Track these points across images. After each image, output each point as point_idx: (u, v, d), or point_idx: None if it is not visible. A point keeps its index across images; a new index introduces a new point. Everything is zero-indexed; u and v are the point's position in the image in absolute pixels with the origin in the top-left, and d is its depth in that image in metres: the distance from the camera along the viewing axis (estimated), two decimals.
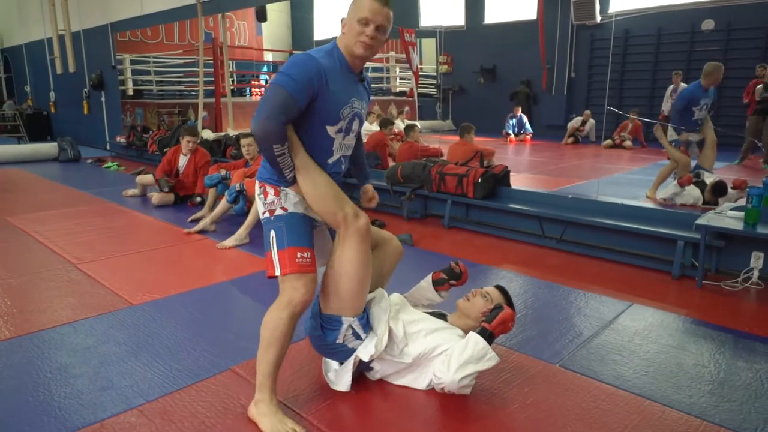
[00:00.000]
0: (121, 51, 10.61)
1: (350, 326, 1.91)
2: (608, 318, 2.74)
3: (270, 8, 13.43)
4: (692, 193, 4.65)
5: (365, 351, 1.92)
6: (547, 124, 12.25)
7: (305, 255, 1.81)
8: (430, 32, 13.63)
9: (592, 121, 10.86)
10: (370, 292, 2.03)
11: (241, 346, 2.38)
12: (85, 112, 10.61)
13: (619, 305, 2.90)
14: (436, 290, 2.28)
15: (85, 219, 4.75)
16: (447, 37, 13.85)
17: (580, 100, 11.80)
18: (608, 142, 10.07)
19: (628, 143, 9.73)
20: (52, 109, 12.20)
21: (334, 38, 1.89)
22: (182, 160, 5.35)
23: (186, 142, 5.24)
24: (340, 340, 1.93)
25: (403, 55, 11.67)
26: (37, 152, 8.81)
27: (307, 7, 16.52)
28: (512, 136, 11.44)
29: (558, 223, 4.03)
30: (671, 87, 8.98)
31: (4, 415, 1.89)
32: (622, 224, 3.69)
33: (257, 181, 1.93)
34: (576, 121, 10.98)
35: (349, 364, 1.96)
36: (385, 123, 6.70)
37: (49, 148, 8.93)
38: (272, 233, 1.85)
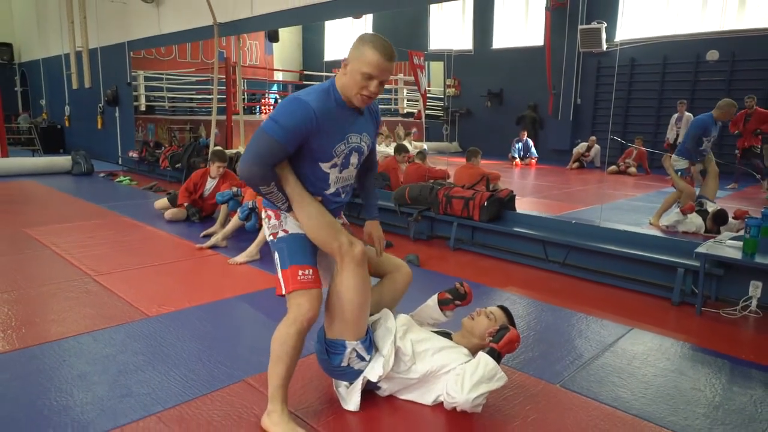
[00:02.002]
0: (136, 67, 10.87)
1: (354, 349, 1.99)
2: (608, 341, 2.82)
3: (282, 30, 13.76)
4: (694, 221, 4.75)
5: (373, 372, 2.02)
6: (552, 149, 12.40)
7: (307, 272, 1.91)
8: (439, 56, 13.90)
9: (597, 146, 11.00)
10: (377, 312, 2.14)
11: (254, 359, 2.48)
12: (99, 126, 10.84)
13: (620, 329, 2.98)
14: (442, 310, 2.37)
15: (99, 232, 4.88)
16: (455, 61, 14.11)
17: (586, 125, 11.96)
18: (613, 168, 10.20)
19: (632, 170, 9.86)
20: (67, 123, 12.45)
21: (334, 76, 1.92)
22: (210, 183, 5.49)
23: (216, 167, 5.38)
24: (345, 363, 2.01)
25: (412, 78, 11.91)
26: (51, 165, 9.00)
27: (318, 29, 16.87)
28: (518, 159, 11.58)
29: (561, 247, 4.13)
30: (675, 116, 9.13)
31: (29, 419, 1.99)
32: (624, 250, 3.79)
33: (263, 207, 2.05)
34: (581, 147, 11.13)
35: (358, 384, 2.05)
36: (400, 149, 6.85)
37: (63, 161, 9.12)
38: (276, 254, 1.96)
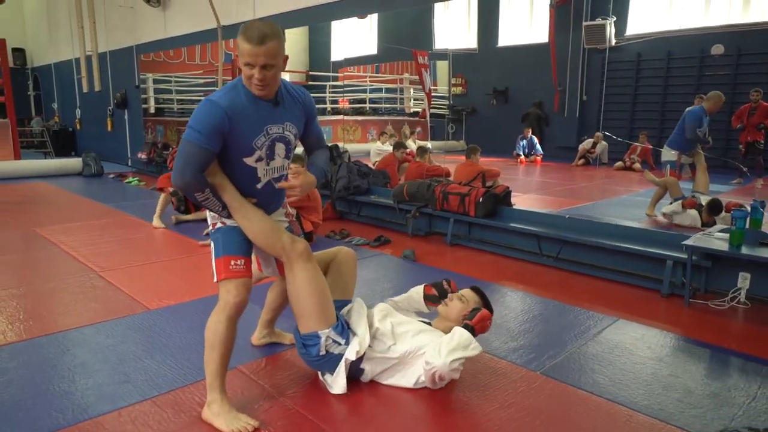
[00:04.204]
0: (145, 70, 11.05)
1: (328, 337, 2.09)
2: (593, 332, 2.89)
3: (288, 32, 13.88)
4: (690, 214, 4.79)
5: (352, 350, 2.12)
6: (558, 146, 12.41)
7: (238, 262, 2.01)
8: (445, 55, 13.97)
9: (604, 143, 10.99)
10: (343, 300, 2.26)
11: (247, 348, 2.59)
12: (109, 129, 11.05)
13: (606, 320, 3.05)
14: (427, 305, 2.49)
15: (106, 231, 5.04)
16: (461, 60, 14.18)
17: (592, 122, 11.96)
18: (619, 164, 10.22)
19: (637, 165, 9.85)
20: (78, 126, 12.70)
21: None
22: None
23: None
24: (323, 352, 2.11)
25: (417, 77, 11.99)
26: (62, 167, 9.21)
27: (325, 30, 16.98)
28: (522, 157, 11.61)
29: (555, 242, 4.20)
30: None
31: (34, 401, 2.12)
32: (616, 244, 3.85)
33: None
34: (587, 143, 11.12)
35: (341, 367, 2.15)
36: (398, 146, 6.99)
37: (74, 163, 9.33)
38: (212, 244, 2.08)
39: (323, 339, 2.09)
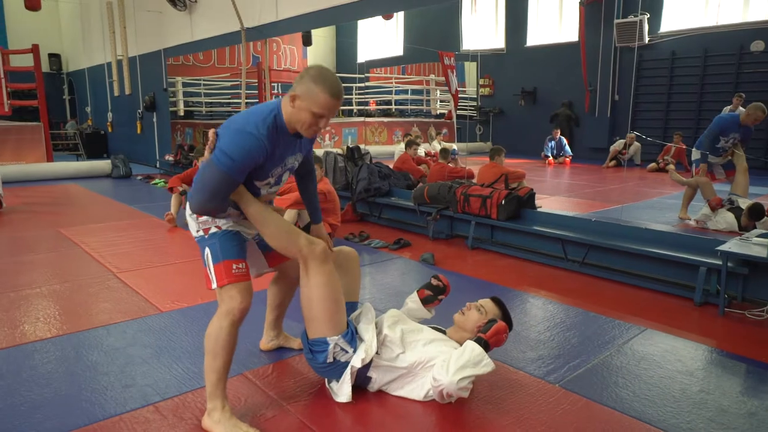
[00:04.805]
0: (175, 74, 11.23)
1: (336, 344, 2.01)
2: (618, 342, 2.73)
3: (316, 34, 13.96)
4: (725, 218, 4.55)
5: (357, 357, 2.03)
6: (589, 147, 12.10)
7: (240, 266, 1.95)
8: (472, 56, 13.79)
9: (637, 144, 10.65)
10: (348, 302, 2.17)
11: (255, 354, 2.53)
12: (139, 131, 11.24)
13: (633, 330, 2.88)
14: (426, 308, 2.38)
15: (128, 232, 5.07)
16: (488, 60, 13.98)
17: (624, 122, 11.61)
18: (652, 165, 9.88)
19: (671, 167, 9.48)
20: (110, 129, 12.97)
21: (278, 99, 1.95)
22: None
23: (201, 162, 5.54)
24: (330, 359, 2.03)
25: (443, 78, 11.86)
26: (92, 169, 9.40)
27: (351, 32, 17.00)
28: (551, 158, 11.35)
29: (581, 246, 4.03)
30: (728, 108, 8.71)
31: (40, 401, 2.10)
32: (645, 249, 3.66)
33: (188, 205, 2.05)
34: (619, 144, 10.78)
35: (347, 375, 2.06)
36: (410, 144, 6.98)
37: (103, 165, 9.51)
38: (207, 250, 1.98)
39: (331, 346, 2.01)
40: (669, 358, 2.55)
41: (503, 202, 4.41)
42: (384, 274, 3.97)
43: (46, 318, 2.98)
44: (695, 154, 5.11)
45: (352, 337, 2.06)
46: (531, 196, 4.63)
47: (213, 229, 1.99)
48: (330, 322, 2.00)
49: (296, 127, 1.90)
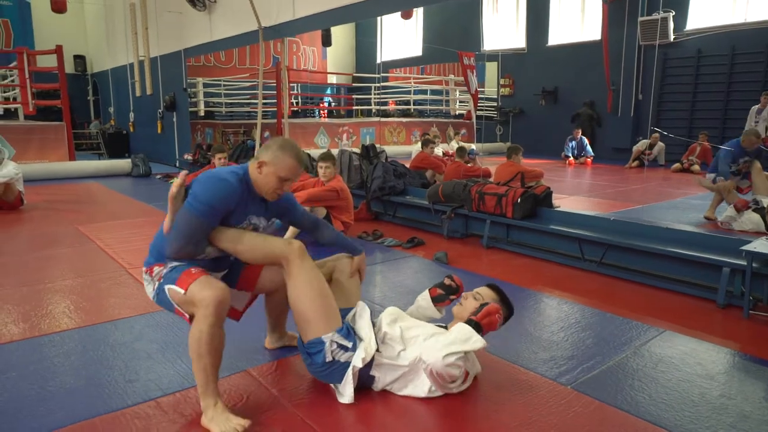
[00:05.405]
0: (196, 75, 11.34)
1: (332, 341, 1.97)
2: (636, 344, 2.63)
3: (335, 34, 14.00)
4: (751, 218, 4.39)
5: (358, 357, 1.97)
6: (611, 147, 11.86)
7: (195, 270, 1.93)
8: (492, 56, 13.65)
9: (661, 144, 10.40)
10: (347, 308, 2.14)
11: (259, 351, 2.50)
12: (159, 131, 11.38)
13: (651, 331, 2.78)
14: (437, 306, 2.32)
15: (143, 229, 5.10)
16: (509, 60, 13.82)
17: (648, 122, 11.35)
18: (677, 165, 9.64)
19: (696, 167, 9.26)
20: (131, 129, 13.16)
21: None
22: None
23: (218, 159, 5.60)
24: (329, 359, 1.98)
25: (462, 78, 11.75)
26: (113, 168, 9.53)
27: (371, 32, 16.99)
28: (572, 158, 11.16)
29: (598, 245, 3.91)
30: (755, 108, 8.45)
31: (47, 393, 2.10)
32: (666, 248, 3.54)
33: (144, 267, 2.07)
34: (642, 144, 10.53)
35: (349, 375, 2.00)
36: (426, 142, 6.94)
37: (123, 164, 9.64)
38: (166, 288, 1.96)
39: (328, 344, 1.97)
40: (688, 361, 2.44)
41: (519, 200, 4.32)
42: (396, 273, 3.91)
43: (56, 312, 2.99)
44: (710, 177, 5.30)
45: (349, 333, 2.01)
46: (548, 194, 4.53)
47: (164, 272, 1.99)
48: (322, 319, 1.98)
49: (262, 191, 2.03)
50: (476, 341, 1.93)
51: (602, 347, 2.59)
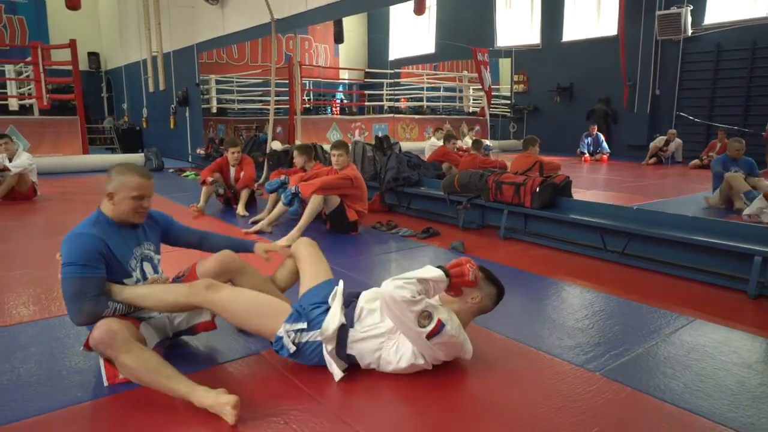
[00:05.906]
0: (209, 72, 11.34)
1: (287, 332, 1.98)
2: (665, 332, 2.51)
3: (347, 30, 13.93)
4: None
5: (319, 335, 1.96)
6: (627, 144, 11.68)
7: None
8: (506, 52, 13.51)
9: (678, 140, 10.21)
10: (326, 279, 2.25)
11: None
12: (172, 126, 11.38)
13: (680, 320, 2.65)
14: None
15: None
16: (523, 56, 13.66)
17: (665, 118, 11.16)
18: (695, 161, 9.46)
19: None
20: (144, 125, 13.20)
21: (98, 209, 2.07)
22: (232, 170, 5.70)
23: (231, 154, 5.57)
24: (293, 348, 1.97)
25: (476, 75, 11.62)
26: (126, 161, 9.51)
27: (383, 28, 16.92)
28: (587, 155, 10.99)
29: (621, 235, 3.78)
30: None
31: (49, 377, 2.03)
32: (693, 237, 3.40)
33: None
34: (659, 141, 10.35)
35: (328, 357, 1.98)
36: (449, 137, 6.86)
37: (136, 158, 9.63)
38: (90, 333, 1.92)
39: (285, 336, 1.98)
40: (723, 349, 2.32)
41: (538, 189, 4.20)
42: (411, 261, 3.82)
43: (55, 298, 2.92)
44: (716, 194, 5.52)
45: (299, 315, 2.01)
46: (567, 183, 4.40)
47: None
48: (266, 322, 2.00)
49: (125, 217, 2.04)
50: (431, 270, 1.92)
51: (630, 335, 2.48)
